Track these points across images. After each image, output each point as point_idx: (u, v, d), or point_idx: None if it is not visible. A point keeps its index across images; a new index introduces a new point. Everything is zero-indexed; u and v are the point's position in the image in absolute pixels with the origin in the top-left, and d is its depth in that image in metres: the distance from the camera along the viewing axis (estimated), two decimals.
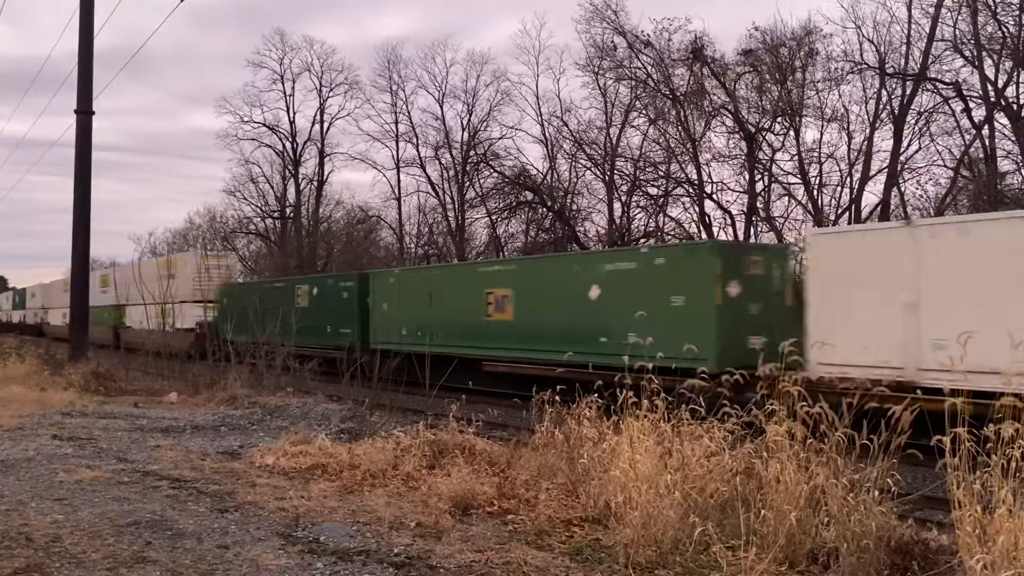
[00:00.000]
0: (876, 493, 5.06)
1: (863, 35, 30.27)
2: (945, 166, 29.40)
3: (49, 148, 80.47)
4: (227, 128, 52.01)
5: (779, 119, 32.43)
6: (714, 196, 34.92)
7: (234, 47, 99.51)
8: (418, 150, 46.80)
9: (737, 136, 33.44)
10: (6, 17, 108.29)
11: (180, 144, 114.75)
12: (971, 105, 27.92)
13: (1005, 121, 27.33)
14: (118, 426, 11.02)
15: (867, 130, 30.43)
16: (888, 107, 29.71)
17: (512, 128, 43.36)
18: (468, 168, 44.23)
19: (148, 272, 29.88)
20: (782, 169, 32.89)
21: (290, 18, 71.98)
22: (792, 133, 32.16)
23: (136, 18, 75.96)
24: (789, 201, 32.92)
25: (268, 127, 50.46)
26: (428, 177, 46.46)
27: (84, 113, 20.87)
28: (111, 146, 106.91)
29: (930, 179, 29.86)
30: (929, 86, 28.73)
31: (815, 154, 32.05)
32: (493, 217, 42.59)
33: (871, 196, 30.97)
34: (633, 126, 37.83)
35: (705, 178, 34.89)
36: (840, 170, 31.95)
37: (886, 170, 29.56)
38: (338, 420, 10.98)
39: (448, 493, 6.68)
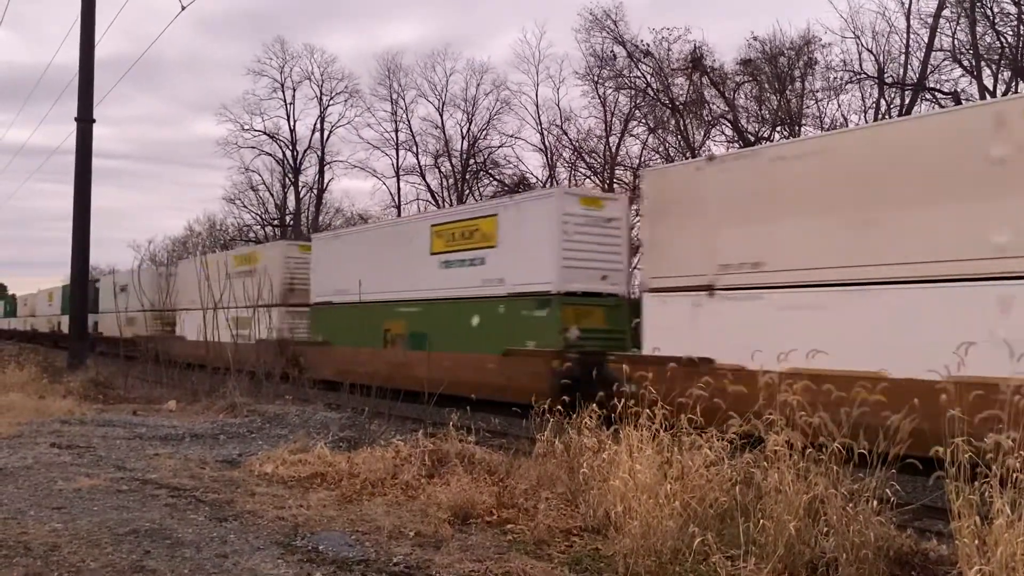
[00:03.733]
0: (875, 503, 5.06)
1: (862, 45, 30.44)
2: None
3: (49, 156, 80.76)
4: (228, 136, 52.23)
5: (778, 128, 32.53)
6: None
7: (243, 55, 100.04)
8: (418, 158, 47.02)
9: (737, 145, 33.51)
10: (13, 25, 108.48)
11: (183, 152, 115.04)
12: None
13: None
14: (117, 434, 11.00)
15: None
16: (887, 116, 29.80)
17: (512, 136, 43.57)
18: (468, 176, 44.35)
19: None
20: None
21: (299, 26, 72.41)
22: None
23: (146, 26, 76.11)
24: None
25: (268, 135, 50.76)
26: (428, 185, 46.64)
27: (84, 121, 20.92)
28: (115, 154, 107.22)
29: None
30: (928, 96, 28.84)
31: None
32: None
33: None
34: (632, 135, 37.97)
35: None
36: None
37: None
38: (337, 428, 10.96)
39: (447, 502, 6.67)
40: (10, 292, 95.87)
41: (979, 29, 27.10)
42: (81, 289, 21.77)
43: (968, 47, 27.58)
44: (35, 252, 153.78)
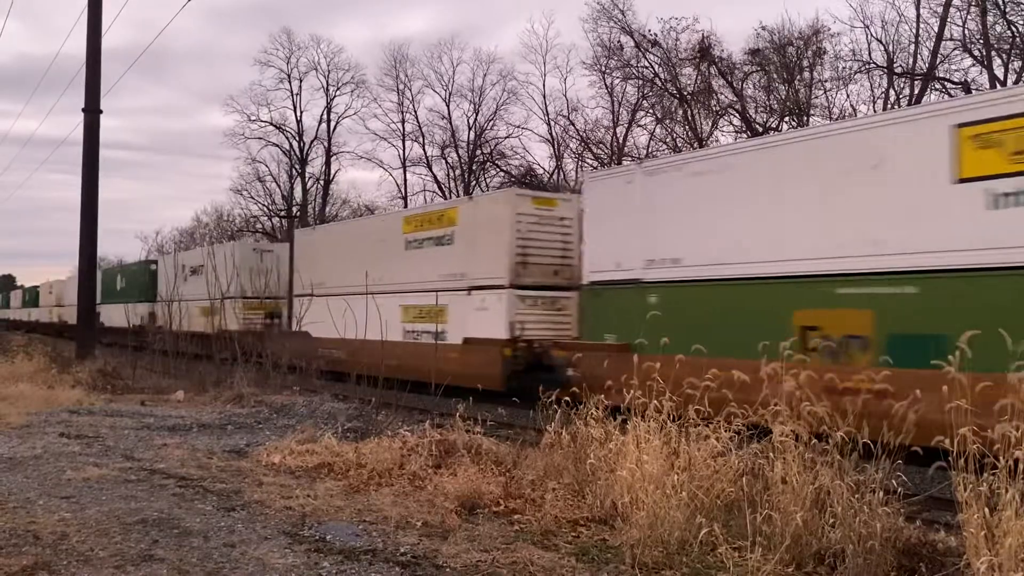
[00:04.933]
0: (881, 494, 5.04)
1: (871, 34, 30.28)
2: None
3: (57, 147, 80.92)
4: (234, 127, 52.29)
5: (787, 118, 32.39)
6: None
7: (253, 45, 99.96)
8: (424, 149, 46.98)
9: (745, 135, 33.39)
10: (22, 16, 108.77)
11: (192, 143, 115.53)
12: None
13: None
14: (125, 424, 11.05)
15: None
16: (896, 106, 29.64)
17: (519, 127, 43.54)
18: (474, 167, 44.33)
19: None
20: None
21: (308, 16, 72.49)
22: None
23: (155, 16, 76.19)
24: None
25: (275, 126, 50.80)
26: (434, 176, 46.63)
27: (91, 112, 20.94)
28: (125, 144, 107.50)
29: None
30: (938, 86, 28.66)
31: None
32: None
33: None
34: (640, 125, 37.91)
35: None
36: None
37: None
38: (344, 419, 10.99)
39: (454, 493, 6.68)
40: (19, 283, 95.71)
41: (989, 18, 26.92)
42: (88, 279, 21.80)
43: (979, 36, 27.41)
44: (44, 243, 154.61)
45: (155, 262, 35.81)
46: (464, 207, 17.92)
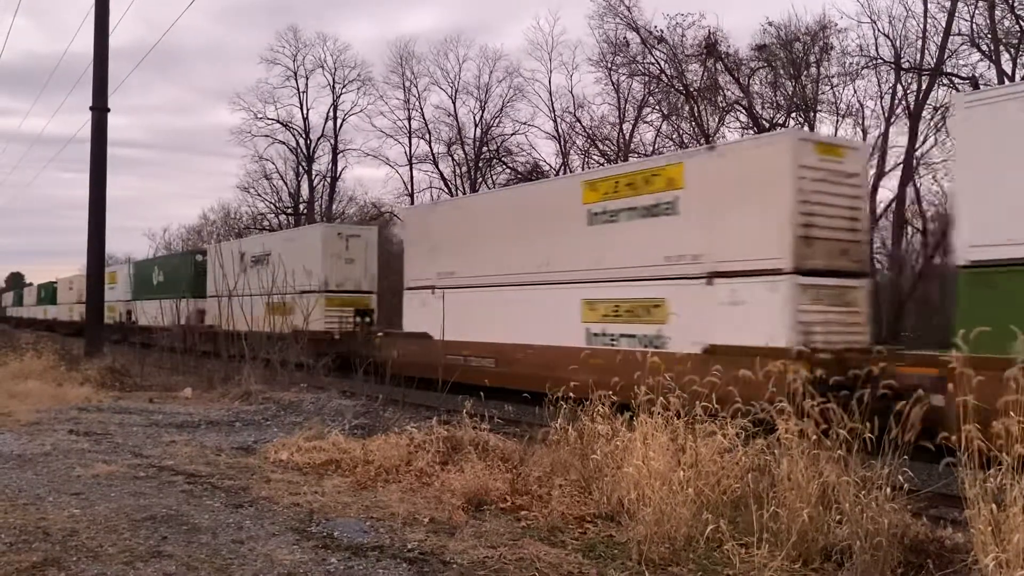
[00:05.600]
0: (888, 490, 5.03)
1: (878, 30, 30.05)
2: None
3: (65, 145, 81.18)
4: (241, 124, 52.34)
5: (793, 114, 32.27)
6: None
7: (261, 42, 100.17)
8: (431, 146, 46.88)
9: (751, 131, 33.31)
10: (32, 13, 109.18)
11: (200, 140, 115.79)
12: None
13: None
14: (133, 421, 11.10)
15: (882, 125, 30.26)
16: (904, 102, 29.53)
17: (525, 124, 43.38)
18: (480, 164, 44.25)
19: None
20: None
21: (315, 14, 72.52)
22: (807, 128, 31.96)
23: (165, 13, 76.36)
24: None
25: (282, 123, 50.73)
26: (441, 173, 46.53)
27: (99, 110, 21.01)
28: (132, 142, 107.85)
29: (946, 174, 29.62)
30: (945, 81, 28.49)
31: None
32: None
33: (886, 192, 30.82)
34: (646, 122, 37.74)
35: None
36: None
37: (901, 165, 29.40)
38: (351, 416, 11.02)
39: (461, 489, 6.70)
40: (27, 280, 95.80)
41: (998, 13, 26.73)
42: (97, 276, 21.87)
43: (987, 31, 27.21)
44: (52, 241, 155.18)
45: (202, 252, 31.86)
46: (697, 161, 12.92)
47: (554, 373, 9.45)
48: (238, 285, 19.71)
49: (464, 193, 44.20)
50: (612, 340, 13.42)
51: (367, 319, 21.84)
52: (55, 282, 57.83)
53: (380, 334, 19.23)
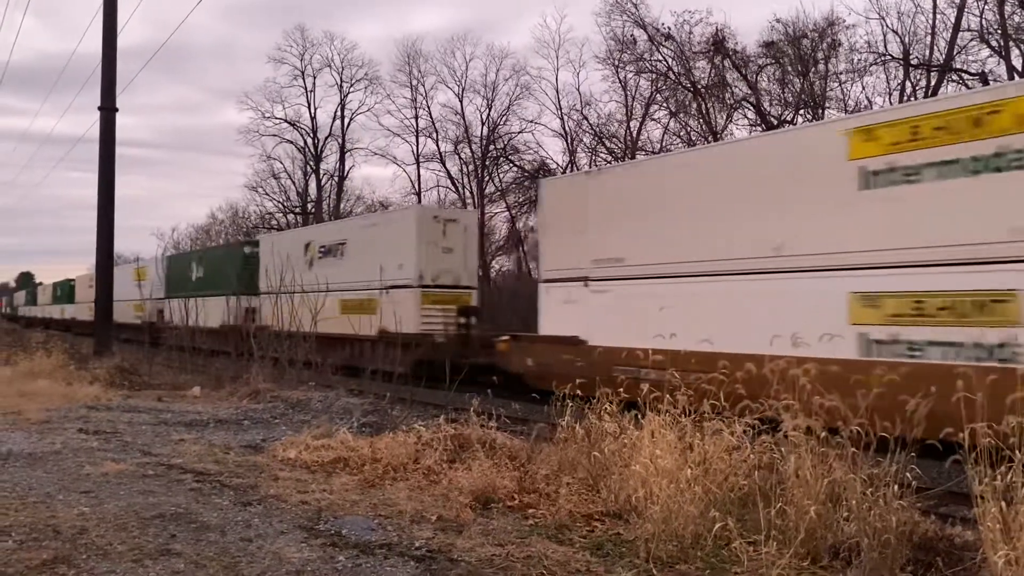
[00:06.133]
0: (896, 488, 5.01)
1: (887, 26, 29.99)
2: None
3: (75, 144, 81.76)
4: (249, 124, 52.48)
5: (802, 111, 32.19)
6: None
7: (269, 42, 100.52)
8: (438, 145, 46.94)
9: (759, 129, 33.22)
10: (41, 13, 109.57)
11: (209, 140, 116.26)
12: None
13: None
14: (142, 420, 11.14)
15: None
16: (912, 99, 29.39)
17: (532, 122, 43.37)
18: (487, 163, 44.25)
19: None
20: None
21: (323, 13, 72.70)
22: None
23: (173, 13, 76.66)
24: None
25: (289, 123, 50.90)
26: (448, 172, 46.60)
27: (108, 110, 21.08)
28: (141, 142, 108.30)
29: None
30: (955, 77, 28.38)
31: None
32: (513, 211, 42.64)
33: None
34: (654, 119, 37.74)
35: None
36: None
37: None
38: (359, 414, 11.04)
39: (469, 487, 6.70)
40: (37, 280, 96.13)
41: (1007, 8, 26.61)
42: (105, 275, 21.95)
43: (996, 27, 27.09)
44: (61, 241, 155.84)
45: (253, 243, 28.45)
46: None
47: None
48: (304, 279, 17.17)
49: (471, 193, 44.24)
50: (912, 350, 9.84)
51: (472, 319, 18.91)
52: (72, 280, 55.14)
53: (505, 338, 15.98)
